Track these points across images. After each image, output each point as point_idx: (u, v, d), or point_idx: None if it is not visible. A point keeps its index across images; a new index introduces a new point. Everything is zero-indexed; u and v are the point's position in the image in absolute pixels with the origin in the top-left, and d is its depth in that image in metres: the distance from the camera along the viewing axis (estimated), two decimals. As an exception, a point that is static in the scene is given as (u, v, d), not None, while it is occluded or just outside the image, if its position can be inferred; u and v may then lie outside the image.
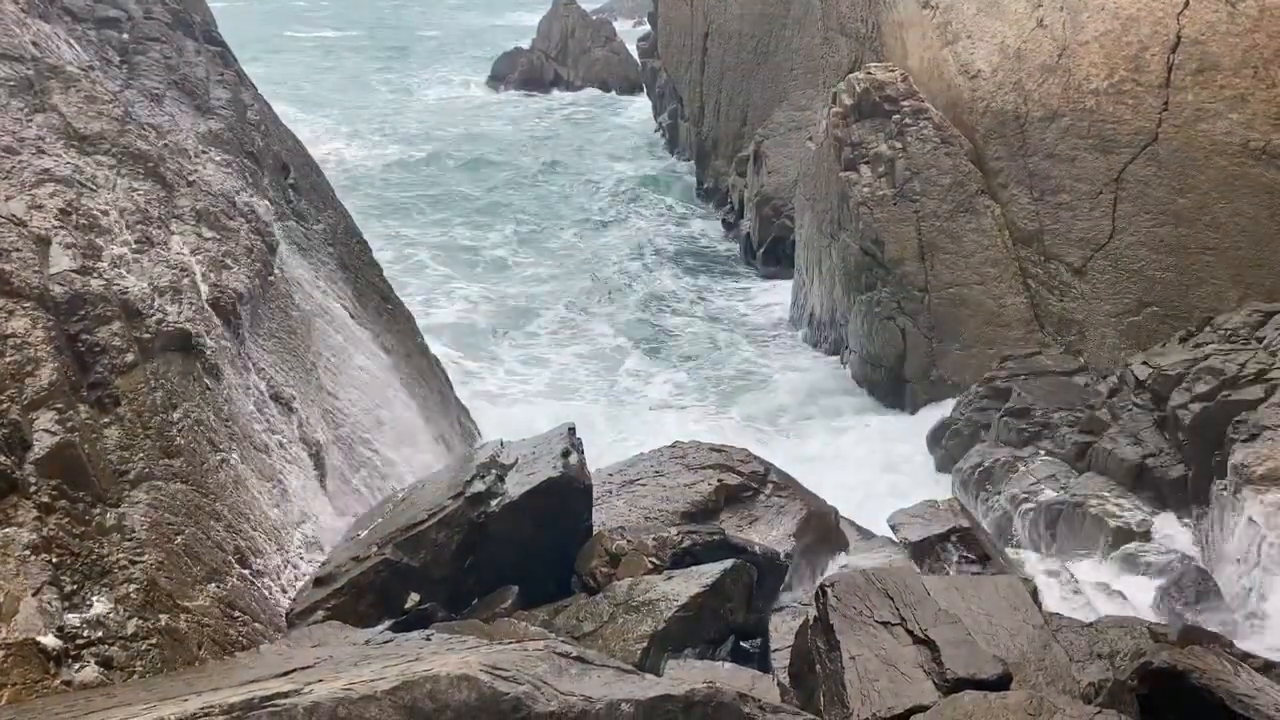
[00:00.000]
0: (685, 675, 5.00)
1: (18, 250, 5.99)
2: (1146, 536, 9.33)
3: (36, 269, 6.01)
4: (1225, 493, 8.87)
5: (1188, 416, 9.55)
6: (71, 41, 8.66)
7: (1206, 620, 8.32)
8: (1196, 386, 9.68)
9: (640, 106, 40.62)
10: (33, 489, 5.22)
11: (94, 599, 5.18)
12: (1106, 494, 9.90)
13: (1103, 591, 8.56)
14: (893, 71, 15.77)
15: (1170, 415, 9.88)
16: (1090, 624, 6.49)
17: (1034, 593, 6.72)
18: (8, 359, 5.46)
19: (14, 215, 6.21)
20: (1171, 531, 9.47)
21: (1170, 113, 12.71)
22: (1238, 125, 12.29)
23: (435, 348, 13.38)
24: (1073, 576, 8.85)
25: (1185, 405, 9.64)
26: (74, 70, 8.02)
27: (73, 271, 6.25)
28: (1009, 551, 9.31)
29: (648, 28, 36.81)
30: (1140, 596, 8.76)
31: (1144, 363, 10.85)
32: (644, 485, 7.98)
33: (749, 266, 23.52)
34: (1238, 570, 8.58)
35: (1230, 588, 8.61)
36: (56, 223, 6.48)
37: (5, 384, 5.36)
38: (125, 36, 9.95)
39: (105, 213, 6.97)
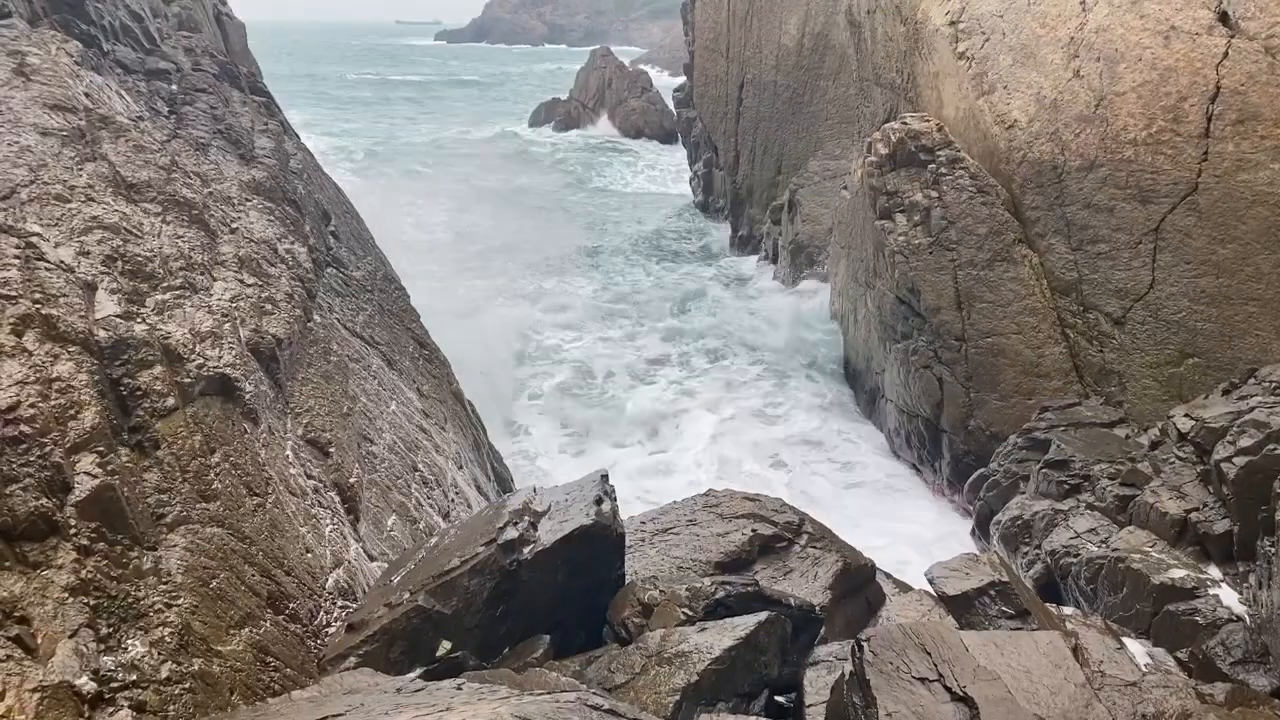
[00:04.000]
0: (718, 730, 4.92)
1: (65, 296, 6.11)
2: (1191, 593, 9.11)
3: (82, 314, 6.13)
4: (1273, 549, 8.65)
5: (1232, 470, 9.35)
6: (122, 93, 8.90)
7: (1255, 681, 8.09)
8: (1241, 440, 9.48)
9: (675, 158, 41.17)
10: (72, 531, 5.27)
11: (130, 642, 5.21)
12: (1149, 549, 9.70)
13: (1147, 649, 8.36)
14: (928, 121, 15.82)
15: (1214, 469, 9.68)
16: (1134, 683, 6.32)
17: (1075, 649, 6.57)
18: (52, 402, 5.55)
19: (63, 261, 6.36)
20: (1217, 589, 9.24)
21: (1210, 163, 12.62)
22: None
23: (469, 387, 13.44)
24: (1115, 633, 8.65)
25: (1230, 459, 9.44)
26: (124, 120, 8.23)
27: (117, 316, 6.37)
28: (1049, 606, 9.12)
29: (684, 79, 37.26)
30: (1186, 655, 8.54)
31: (1186, 415, 10.66)
32: (677, 534, 7.92)
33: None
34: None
35: None
36: (103, 269, 6.62)
37: (49, 427, 5.45)
38: (174, 88, 10.22)
39: (150, 259, 7.11)
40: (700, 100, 32.17)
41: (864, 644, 5.34)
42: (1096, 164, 13.45)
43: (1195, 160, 12.73)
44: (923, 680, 5.10)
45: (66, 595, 5.07)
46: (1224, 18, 12.85)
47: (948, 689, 5.03)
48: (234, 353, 7.19)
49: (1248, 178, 12.36)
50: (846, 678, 5.40)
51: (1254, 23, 12.61)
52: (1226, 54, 12.62)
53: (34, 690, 4.66)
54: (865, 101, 20.32)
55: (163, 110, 9.76)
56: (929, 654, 5.25)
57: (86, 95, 8.07)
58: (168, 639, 5.35)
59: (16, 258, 6.09)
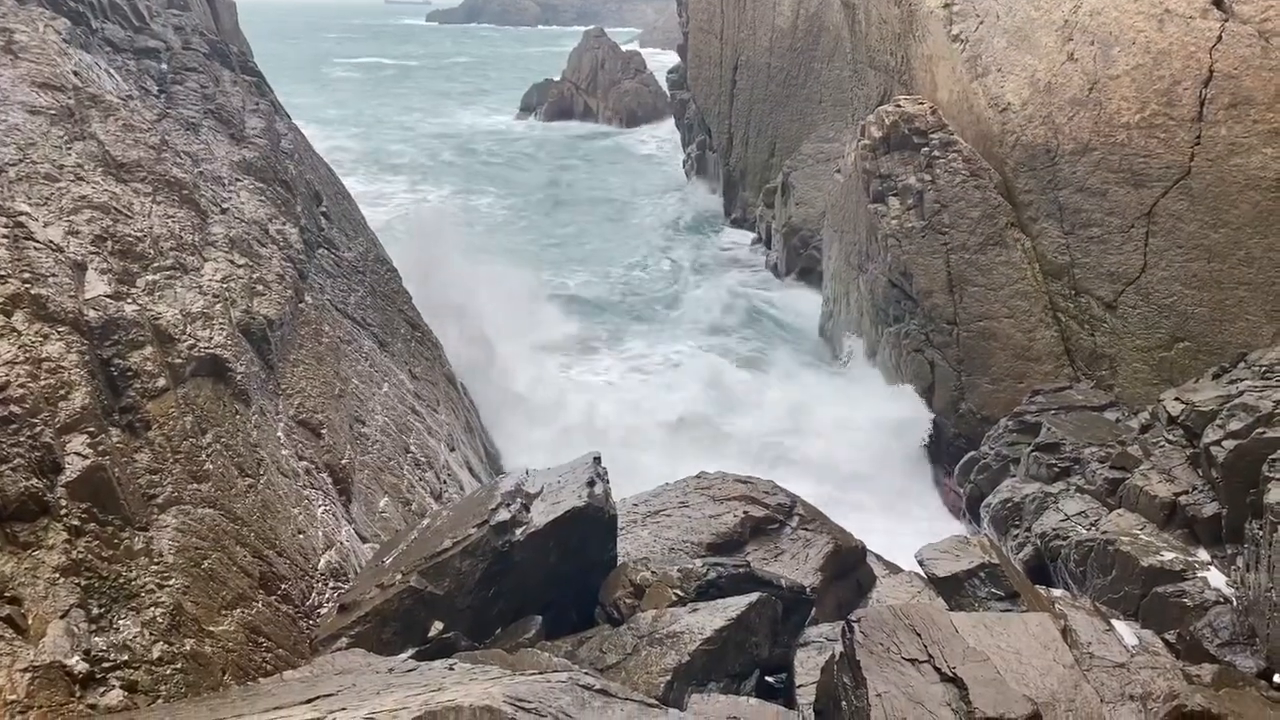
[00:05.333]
0: (709, 710, 4.95)
1: (54, 275, 6.08)
2: (1179, 576, 9.17)
3: (72, 294, 6.10)
4: (1260, 532, 8.71)
5: (1221, 454, 9.41)
6: (112, 71, 8.83)
7: (1241, 662, 8.15)
8: (1230, 423, 9.53)
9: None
10: (63, 512, 5.27)
11: (121, 622, 5.21)
12: (1138, 531, 9.75)
13: (1135, 631, 8.41)
14: (922, 104, 15.79)
15: (1203, 452, 9.74)
16: (1122, 664, 6.37)
17: (1064, 631, 6.60)
18: (42, 382, 5.53)
19: (52, 241, 6.32)
20: (1205, 571, 9.30)
21: (1203, 147, 12.63)
22: (1272, 159, 12.19)
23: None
24: (1104, 615, 8.70)
25: (1219, 442, 9.49)
26: (113, 99, 8.16)
27: (107, 297, 6.34)
28: (1038, 589, 9.17)
29: (677, 59, 37.09)
30: (1173, 636, 8.59)
31: (1176, 398, 10.71)
32: (669, 516, 7.93)
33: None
34: (1274, 610, 8.41)
35: (1266, 628, 8.43)
36: (93, 249, 6.58)
37: (39, 407, 5.43)
38: (164, 66, 10.14)
39: (140, 239, 7.08)
40: (694, 82, 32.05)
41: (854, 625, 5.37)
42: (1090, 147, 13.45)
43: (1188, 144, 12.74)
44: (913, 661, 5.13)
45: (57, 575, 5.06)
46: (1218, 2, 12.83)
47: (937, 670, 5.06)
48: (225, 334, 7.17)
49: (1240, 162, 12.37)
50: (837, 658, 5.43)
51: (1248, 6, 12.60)
52: (1220, 38, 12.61)
53: (25, 670, 4.66)
54: (859, 84, 20.28)
55: (152, 89, 9.68)
56: (919, 635, 5.28)
57: (75, 73, 8.01)
58: (159, 619, 5.35)
59: (5, 237, 6.06)
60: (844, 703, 5.16)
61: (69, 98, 7.64)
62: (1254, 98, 12.33)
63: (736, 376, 18.06)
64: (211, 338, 6.98)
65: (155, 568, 5.53)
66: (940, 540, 8.33)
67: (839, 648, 5.48)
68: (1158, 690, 5.87)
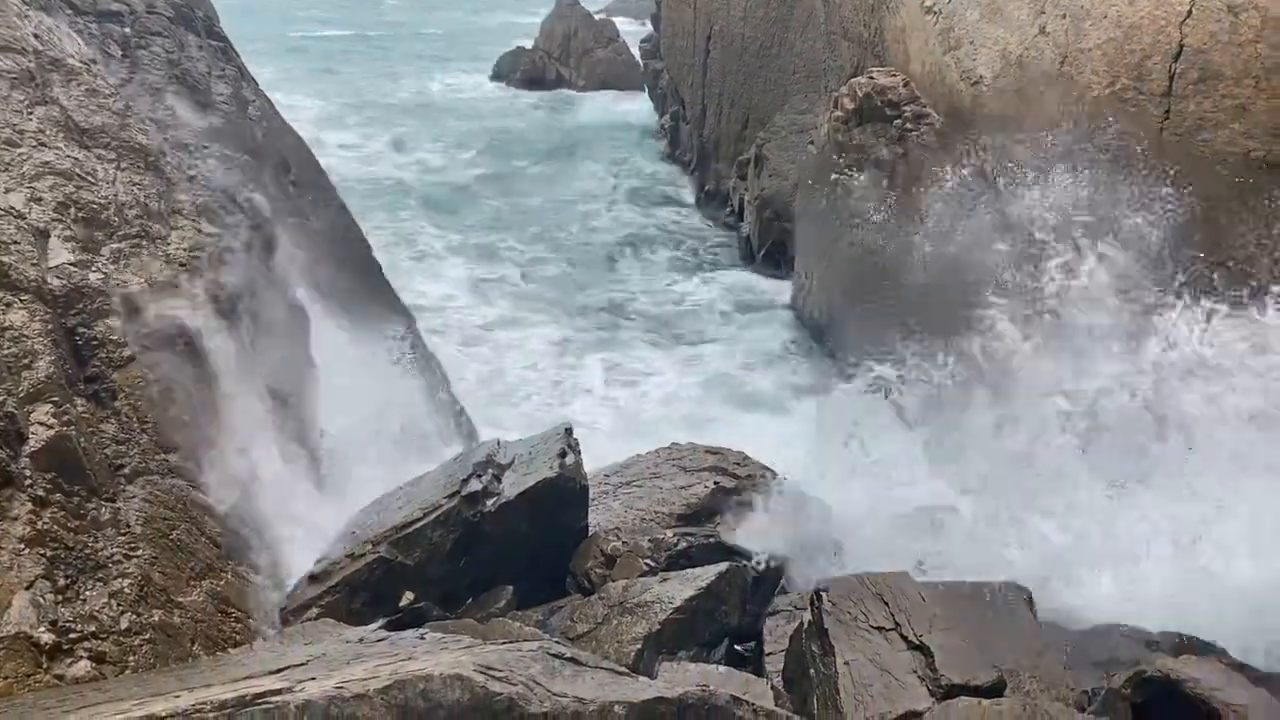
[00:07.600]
0: (679, 678, 4.99)
1: (16, 243, 5.98)
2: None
3: (35, 262, 6.01)
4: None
5: (1186, 425, 9.55)
6: (73, 34, 8.64)
7: (1202, 630, 8.30)
8: (1196, 396, 9.67)
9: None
10: (28, 482, 5.21)
11: (88, 593, 5.18)
12: (1103, 502, 9.89)
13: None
14: (895, 76, 15.77)
15: (1168, 424, 9.88)
16: (1085, 631, 6.48)
17: (1029, 599, 6.70)
18: (5, 351, 5.45)
19: (13, 208, 6.21)
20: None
21: (1172, 122, 12.71)
22: (1239, 135, 12.28)
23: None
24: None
25: (1185, 414, 9.62)
26: (75, 63, 8.01)
27: (71, 265, 6.25)
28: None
29: (650, 29, 36.82)
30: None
31: (1143, 372, 10.84)
32: (640, 487, 7.97)
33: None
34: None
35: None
36: (56, 216, 6.48)
37: (2, 376, 5.36)
38: (127, 30, 9.94)
39: (105, 206, 6.97)
40: (668, 52, 31.86)
41: (823, 593, 5.44)
42: (1059, 121, 13.50)
43: (1157, 119, 12.82)
44: (880, 629, 5.21)
45: (22, 546, 5.02)
46: (1189, -24, 12.88)
47: (904, 638, 5.13)
48: (192, 303, 7.10)
49: (1208, 137, 12.47)
50: (805, 626, 5.49)
51: (1218, -19, 12.64)
52: (1190, 12, 12.65)
53: (-10, 641, 4.63)
54: (832, 55, 20.24)
55: (115, 53, 9.50)
56: (887, 604, 5.35)
57: (36, 36, 7.84)
58: (127, 590, 5.33)
59: (-35, 203, 5.95)
60: (812, 670, 5.22)
61: (29, 61, 7.48)
62: (1222, 73, 12.40)
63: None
64: (178, 307, 6.91)
65: (123, 538, 5.50)
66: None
67: (807, 616, 5.55)
68: (1119, 656, 5.99)
